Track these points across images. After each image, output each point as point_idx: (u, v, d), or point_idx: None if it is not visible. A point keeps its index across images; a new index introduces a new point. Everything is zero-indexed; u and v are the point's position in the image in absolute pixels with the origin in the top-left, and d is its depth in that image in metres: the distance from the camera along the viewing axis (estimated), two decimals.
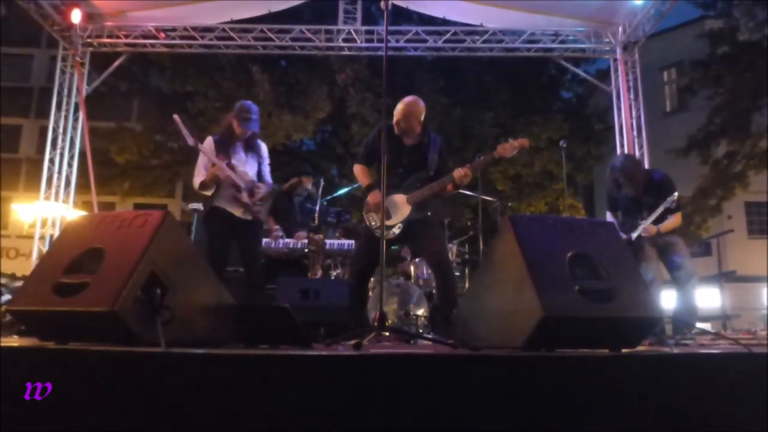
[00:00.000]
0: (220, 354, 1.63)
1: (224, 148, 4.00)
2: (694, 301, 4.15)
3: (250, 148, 4.12)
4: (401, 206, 3.60)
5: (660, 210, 4.10)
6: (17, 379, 1.51)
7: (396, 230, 3.58)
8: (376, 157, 3.62)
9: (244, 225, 4.01)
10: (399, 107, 3.65)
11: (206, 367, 1.58)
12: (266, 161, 4.23)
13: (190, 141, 3.81)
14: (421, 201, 3.60)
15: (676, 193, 4.09)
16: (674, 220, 4.20)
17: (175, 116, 3.88)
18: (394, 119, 3.65)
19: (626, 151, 8.38)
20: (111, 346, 1.74)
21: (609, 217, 4.52)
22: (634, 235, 4.19)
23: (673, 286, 4.29)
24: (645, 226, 4.13)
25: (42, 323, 2.01)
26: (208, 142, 4.02)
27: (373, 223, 3.61)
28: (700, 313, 4.47)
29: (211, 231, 4.03)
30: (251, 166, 4.12)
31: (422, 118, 3.69)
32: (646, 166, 8.21)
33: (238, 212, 3.98)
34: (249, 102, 4.11)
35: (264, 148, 4.24)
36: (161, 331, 1.78)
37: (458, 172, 3.51)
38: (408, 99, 3.69)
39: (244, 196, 3.97)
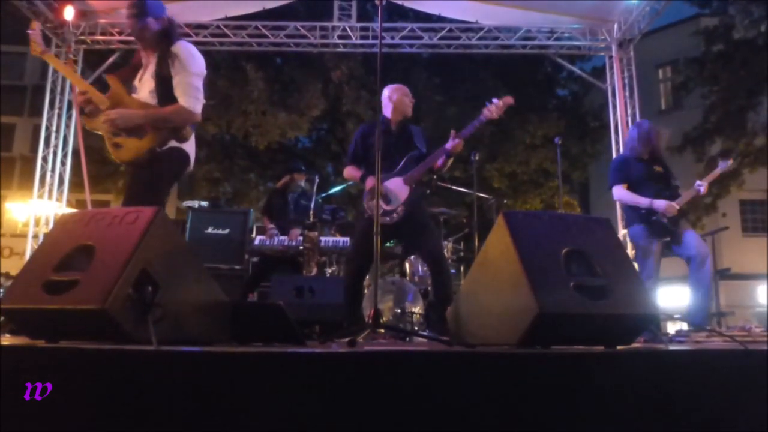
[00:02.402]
0: (212, 352, 1.61)
1: (136, 69, 3.04)
2: (708, 297, 3.99)
3: (157, 55, 2.92)
4: (400, 189, 3.59)
5: (718, 172, 4.52)
6: (16, 379, 1.49)
7: (397, 214, 3.57)
8: (364, 153, 3.73)
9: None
10: (392, 90, 3.82)
11: (198, 366, 1.56)
12: (183, 74, 2.90)
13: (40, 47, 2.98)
14: (418, 179, 3.61)
15: (731, 160, 4.51)
16: (689, 192, 4.27)
17: (34, 27, 2.99)
18: (393, 99, 3.77)
19: (621, 149, 8.38)
20: (102, 345, 1.71)
21: (620, 190, 4.34)
22: (681, 200, 4.19)
23: (684, 280, 4.17)
24: (700, 183, 4.30)
25: (32, 321, 1.99)
26: None
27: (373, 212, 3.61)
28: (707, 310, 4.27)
29: None
30: (147, 82, 2.93)
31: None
32: None
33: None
34: None
35: (184, 51, 2.92)
36: (153, 329, 1.76)
37: (450, 142, 3.57)
38: (395, 84, 3.87)
39: (99, 116, 2.86)
